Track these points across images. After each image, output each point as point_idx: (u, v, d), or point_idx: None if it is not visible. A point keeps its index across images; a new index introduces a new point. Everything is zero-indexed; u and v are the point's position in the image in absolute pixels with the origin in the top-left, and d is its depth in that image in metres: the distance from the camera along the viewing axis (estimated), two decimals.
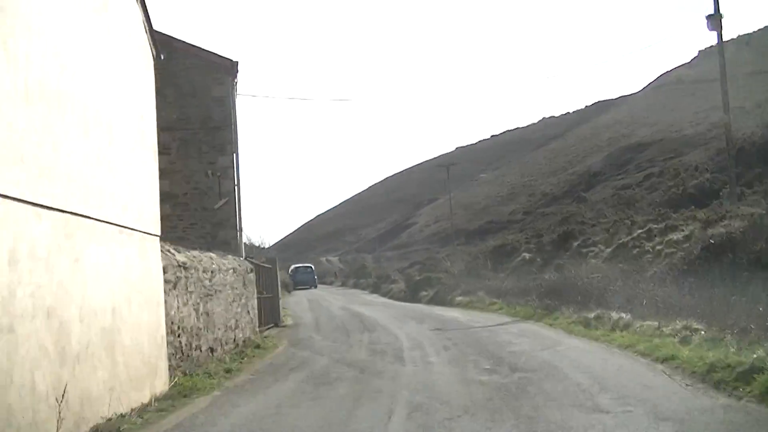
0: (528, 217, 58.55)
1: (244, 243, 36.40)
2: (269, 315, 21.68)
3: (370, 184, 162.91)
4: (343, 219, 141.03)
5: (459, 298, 28.30)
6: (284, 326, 22.79)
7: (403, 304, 33.14)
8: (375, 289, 46.67)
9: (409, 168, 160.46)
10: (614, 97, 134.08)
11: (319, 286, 58.04)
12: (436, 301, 30.66)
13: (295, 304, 35.49)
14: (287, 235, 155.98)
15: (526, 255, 30.54)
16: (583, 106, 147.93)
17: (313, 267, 59.54)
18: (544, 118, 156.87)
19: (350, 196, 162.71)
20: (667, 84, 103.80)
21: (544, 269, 25.47)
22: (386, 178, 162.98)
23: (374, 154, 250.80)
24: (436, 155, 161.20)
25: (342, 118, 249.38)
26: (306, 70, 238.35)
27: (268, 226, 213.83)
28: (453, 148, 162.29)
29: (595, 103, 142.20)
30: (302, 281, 53.37)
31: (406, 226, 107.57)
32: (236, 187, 18.98)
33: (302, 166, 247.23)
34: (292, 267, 57.23)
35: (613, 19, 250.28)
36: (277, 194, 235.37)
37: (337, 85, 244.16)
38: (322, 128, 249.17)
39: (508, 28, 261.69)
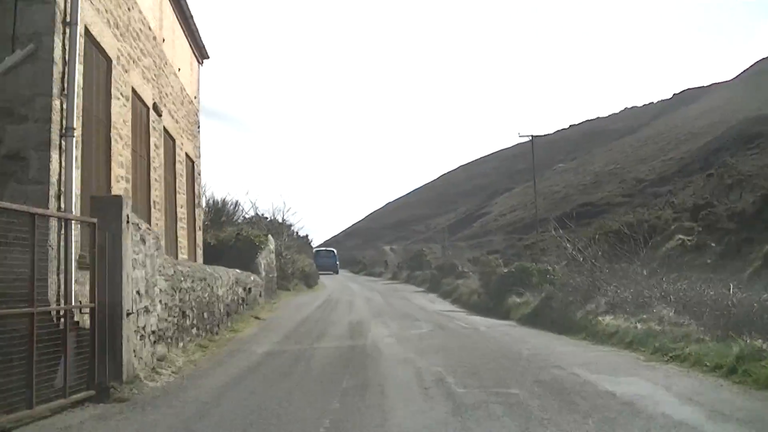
0: (633, 199, 52.35)
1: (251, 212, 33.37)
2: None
3: (441, 174, 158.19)
4: (412, 208, 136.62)
5: (608, 320, 13.52)
6: None
7: (478, 320, 18.69)
8: (433, 287, 34.67)
9: (483, 157, 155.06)
10: (705, 84, 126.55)
11: (364, 278, 54.38)
12: (547, 318, 16.30)
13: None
14: (355, 223, 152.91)
15: (685, 238, 19.55)
16: (670, 95, 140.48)
17: (335, 251, 55.90)
18: (626, 108, 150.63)
19: (420, 185, 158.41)
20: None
21: (726, 261, 15.96)
22: (458, 167, 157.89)
23: (447, 143, 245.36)
24: (510, 145, 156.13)
25: (414, 106, 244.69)
26: (377, 54, 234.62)
27: (335, 212, 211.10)
28: (528, 138, 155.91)
29: (683, 91, 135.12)
30: (323, 265, 49.15)
31: (479, 215, 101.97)
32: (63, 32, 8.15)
33: (373, 152, 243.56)
34: (315, 250, 53.51)
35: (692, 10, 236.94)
36: (347, 180, 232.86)
37: (407, 72, 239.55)
38: (393, 116, 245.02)
39: (588, 15, 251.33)
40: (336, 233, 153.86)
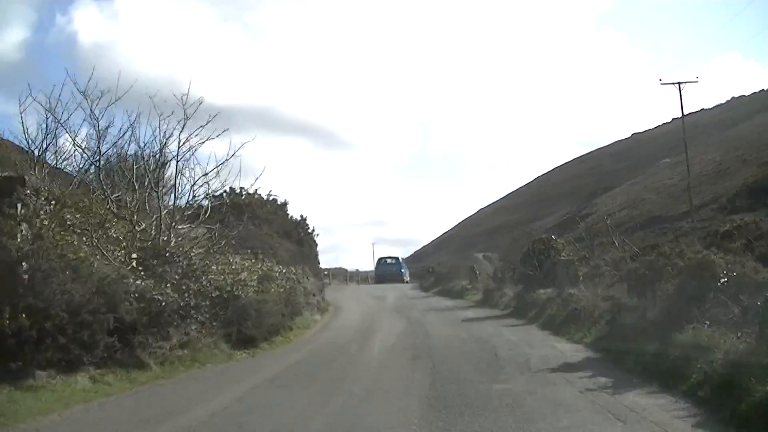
0: None
1: None
2: None
3: (536, 176, 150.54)
4: (506, 213, 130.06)
5: None
6: None
7: None
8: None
9: (579, 157, 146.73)
10: None
11: (432, 301, 47.37)
12: None
13: None
14: (444, 233, 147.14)
15: None
16: None
17: (400, 258, 51.77)
18: (733, 97, 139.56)
19: (514, 189, 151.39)
20: None
21: None
22: (554, 168, 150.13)
23: (542, 143, 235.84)
24: (608, 143, 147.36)
25: (504, 110, 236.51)
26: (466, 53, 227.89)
27: (425, 221, 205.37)
28: (629, 135, 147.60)
29: None
30: (386, 274, 46.10)
31: (581, 217, 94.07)
32: None
33: (462, 156, 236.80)
34: (378, 258, 51.12)
35: None
36: (436, 190, 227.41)
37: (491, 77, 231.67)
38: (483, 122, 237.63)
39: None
40: (425, 244, 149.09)
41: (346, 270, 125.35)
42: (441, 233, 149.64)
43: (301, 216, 41.33)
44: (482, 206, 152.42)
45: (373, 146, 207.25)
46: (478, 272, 38.67)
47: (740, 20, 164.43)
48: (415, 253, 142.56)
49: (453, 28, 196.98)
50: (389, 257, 52.24)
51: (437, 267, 52.51)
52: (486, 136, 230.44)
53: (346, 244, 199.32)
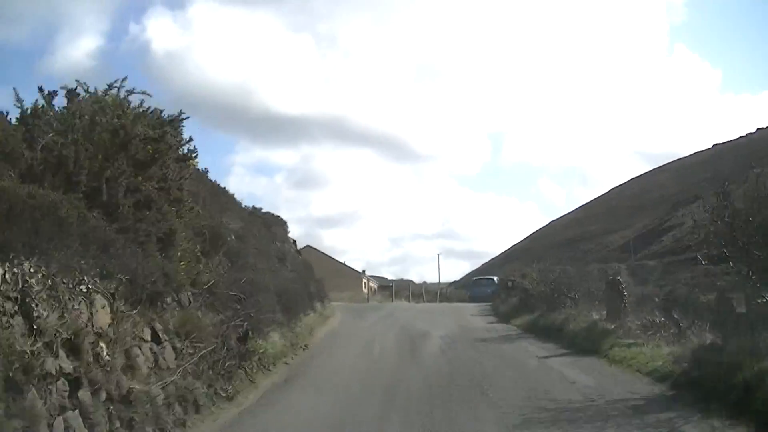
0: None
1: None
2: None
3: (612, 186, 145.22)
4: (579, 226, 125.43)
5: None
6: None
7: None
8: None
9: (656, 168, 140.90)
10: None
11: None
12: None
13: None
14: (514, 245, 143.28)
15: None
16: None
17: (495, 279, 49.21)
18: None
19: (587, 201, 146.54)
20: None
21: None
22: (629, 180, 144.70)
23: (612, 156, 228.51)
24: (688, 153, 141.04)
25: (574, 122, 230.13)
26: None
27: (493, 234, 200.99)
28: (710, 146, 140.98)
29: None
30: (480, 294, 44.85)
31: (664, 230, 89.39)
32: None
33: (533, 171, 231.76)
34: (473, 279, 51.63)
35: None
36: (505, 202, 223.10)
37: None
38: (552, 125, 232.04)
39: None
40: (493, 256, 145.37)
41: (412, 282, 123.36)
42: (510, 246, 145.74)
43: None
44: (553, 219, 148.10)
45: (442, 158, 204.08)
46: (626, 295, 21.66)
47: None
48: (482, 266, 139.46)
49: (525, 40, 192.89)
50: (485, 278, 51.09)
51: (522, 280, 39.58)
52: (556, 148, 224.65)
53: (414, 256, 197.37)
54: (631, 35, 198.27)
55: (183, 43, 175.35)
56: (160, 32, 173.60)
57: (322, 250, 68.21)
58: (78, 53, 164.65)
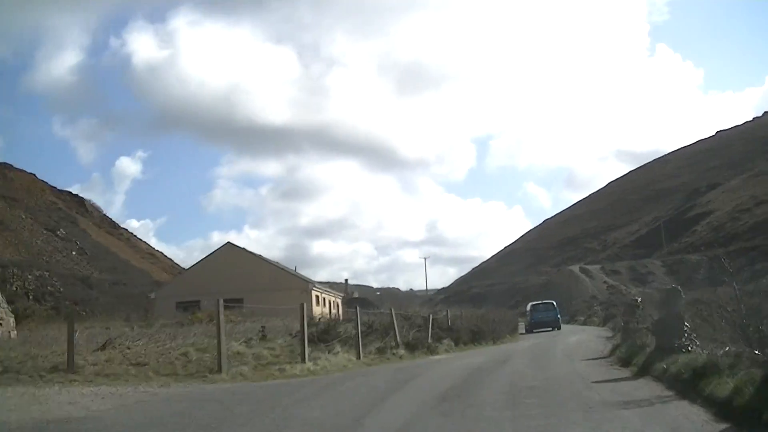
0: None
1: None
2: None
3: (610, 180, 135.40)
4: (579, 223, 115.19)
5: None
6: None
7: None
8: None
9: (656, 160, 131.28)
10: None
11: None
12: None
13: None
14: (509, 245, 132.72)
15: None
16: None
17: (555, 304, 44.17)
18: None
19: (583, 197, 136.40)
20: None
21: None
22: (628, 172, 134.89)
23: (608, 146, 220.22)
24: (691, 142, 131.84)
25: (561, 124, 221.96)
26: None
27: (480, 239, 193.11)
28: (713, 133, 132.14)
29: None
30: (541, 321, 40.95)
31: (689, 220, 78.40)
32: None
33: (519, 175, 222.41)
34: (530, 305, 44.30)
35: None
36: (491, 207, 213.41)
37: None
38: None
39: None
40: (486, 258, 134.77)
41: (398, 290, 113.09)
42: (502, 248, 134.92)
43: None
44: (547, 217, 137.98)
45: (428, 165, 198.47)
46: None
47: None
48: (472, 270, 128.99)
49: (508, 45, 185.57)
50: (542, 302, 44.64)
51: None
52: (541, 151, 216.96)
53: (401, 263, 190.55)
54: (612, 36, 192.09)
55: (164, 56, 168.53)
56: (141, 46, 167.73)
57: (252, 250, 52.61)
58: (59, 69, 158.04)
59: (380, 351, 18.37)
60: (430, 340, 21.74)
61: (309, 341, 15.21)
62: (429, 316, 24.98)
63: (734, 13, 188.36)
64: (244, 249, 49.88)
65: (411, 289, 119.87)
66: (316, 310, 40.29)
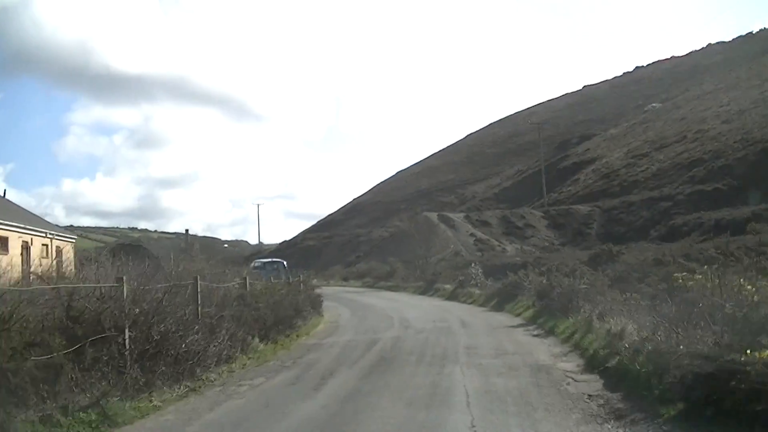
0: None
1: None
2: None
3: (468, 133, 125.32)
4: (434, 175, 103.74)
5: None
6: None
7: None
8: None
9: (518, 112, 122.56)
10: None
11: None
12: None
13: None
14: (357, 197, 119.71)
15: None
16: None
17: (285, 263, 38.73)
18: (750, 33, 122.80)
19: (438, 149, 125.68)
20: None
21: None
22: (487, 125, 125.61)
23: (467, 99, 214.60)
24: (558, 95, 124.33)
25: (418, 82, 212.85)
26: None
27: (336, 195, 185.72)
28: (580, 87, 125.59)
29: None
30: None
31: (567, 169, 67.91)
32: None
33: (378, 132, 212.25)
34: (255, 263, 37.76)
35: None
36: (348, 163, 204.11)
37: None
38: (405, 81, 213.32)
39: None
40: (332, 211, 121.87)
41: (248, 243, 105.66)
42: (350, 200, 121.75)
43: None
44: (400, 169, 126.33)
45: (286, 119, 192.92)
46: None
47: None
48: (318, 222, 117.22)
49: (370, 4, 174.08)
50: (270, 260, 40.60)
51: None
52: (400, 109, 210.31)
53: (254, 218, 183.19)
54: None
55: None
56: None
57: None
58: None
59: None
60: None
61: None
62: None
63: None
64: None
65: (260, 242, 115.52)
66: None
